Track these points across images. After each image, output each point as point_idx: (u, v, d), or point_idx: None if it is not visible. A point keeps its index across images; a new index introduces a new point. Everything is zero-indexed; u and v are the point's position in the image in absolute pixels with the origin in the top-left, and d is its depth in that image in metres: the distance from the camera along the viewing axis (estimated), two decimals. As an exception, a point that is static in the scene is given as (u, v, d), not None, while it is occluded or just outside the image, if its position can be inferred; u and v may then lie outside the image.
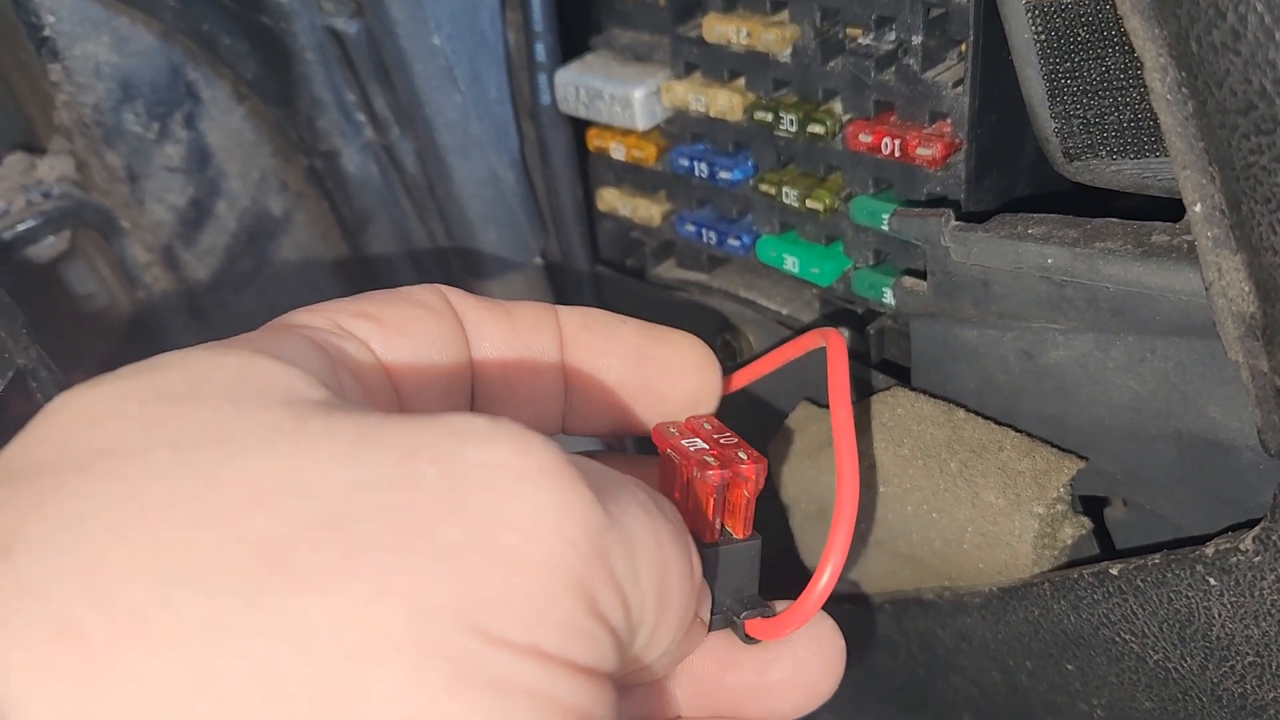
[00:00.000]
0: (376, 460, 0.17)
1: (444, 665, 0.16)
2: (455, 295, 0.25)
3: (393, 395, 0.23)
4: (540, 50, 0.38)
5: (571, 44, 0.39)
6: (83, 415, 0.18)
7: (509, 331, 0.25)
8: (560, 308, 0.27)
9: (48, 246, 0.40)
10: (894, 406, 0.32)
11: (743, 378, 0.31)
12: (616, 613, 0.18)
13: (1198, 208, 0.23)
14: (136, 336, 0.44)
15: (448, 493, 0.17)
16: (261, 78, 0.39)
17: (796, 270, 0.35)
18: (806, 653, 0.26)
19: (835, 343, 0.29)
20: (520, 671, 0.16)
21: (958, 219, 0.30)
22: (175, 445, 0.17)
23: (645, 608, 0.19)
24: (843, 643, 0.26)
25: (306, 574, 0.16)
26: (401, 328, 0.23)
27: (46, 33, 0.37)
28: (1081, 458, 0.30)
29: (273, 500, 0.17)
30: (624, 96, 0.36)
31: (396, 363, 0.23)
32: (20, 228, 0.38)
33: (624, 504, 0.19)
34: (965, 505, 0.30)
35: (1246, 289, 0.23)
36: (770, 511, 0.37)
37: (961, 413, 0.31)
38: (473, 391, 0.26)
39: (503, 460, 0.18)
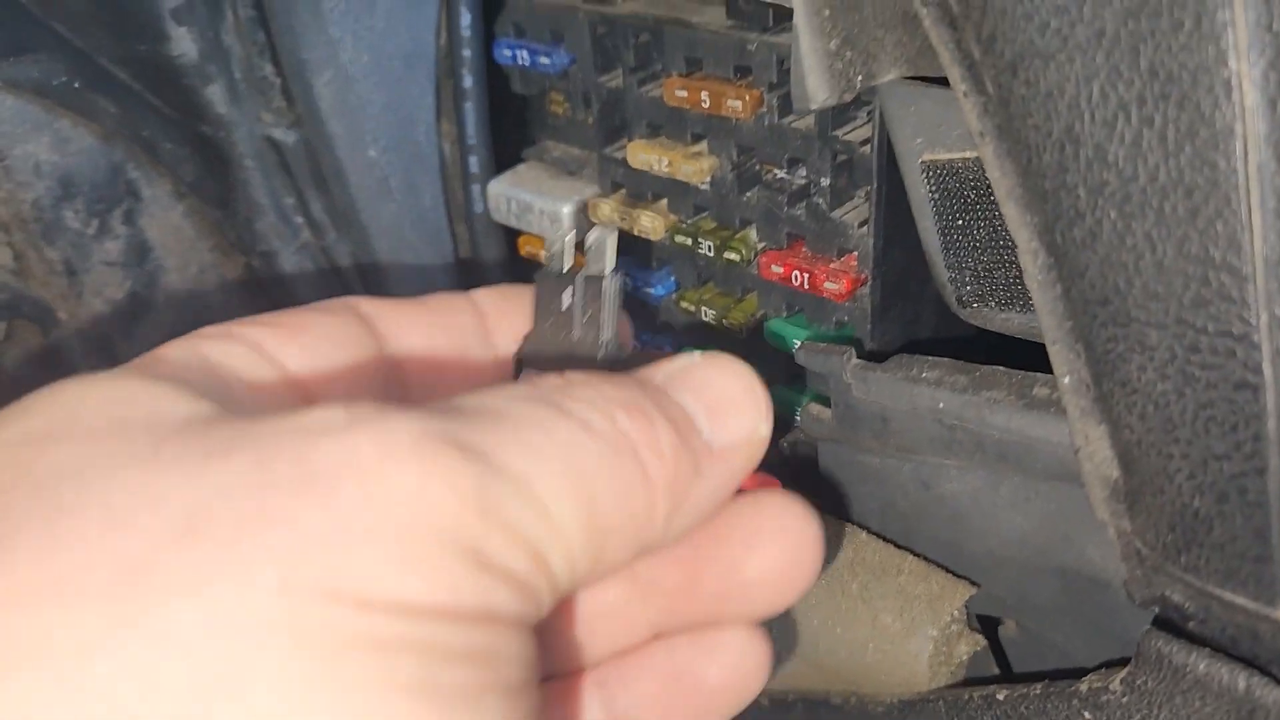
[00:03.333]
0: (230, 469, 0.18)
1: (318, 640, 0.17)
2: (365, 301, 0.26)
3: (292, 394, 0.24)
4: (474, 163, 0.39)
5: (503, 151, 0.40)
6: None
7: (427, 321, 0.26)
8: (473, 292, 0.28)
9: (-16, 338, 0.41)
10: (800, 528, 0.33)
11: None
12: (518, 557, 0.19)
13: (1066, 380, 0.25)
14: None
15: (303, 487, 0.18)
16: (201, 180, 0.40)
17: (715, 383, 0.36)
18: (779, 544, 0.25)
19: None
20: (397, 628, 0.17)
21: (861, 353, 0.32)
22: (35, 485, 0.18)
23: (572, 536, 0.19)
24: (817, 528, 0.26)
25: (169, 581, 0.17)
26: (297, 327, 0.24)
27: (-13, 136, 0.38)
28: (974, 584, 0.31)
29: (128, 520, 0.17)
30: (553, 211, 0.38)
31: (293, 361, 0.24)
32: (-43, 323, 0.39)
33: (524, 446, 0.19)
34: (865, 625, 0.32)
35: (1109, 456, 0.25)
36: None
37: (863, 534, 0.33)
38: (408, 384, 0.26)
39: (359, 449, 0.18)
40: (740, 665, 0.26)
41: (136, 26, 0.34)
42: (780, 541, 0.25)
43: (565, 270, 0.27)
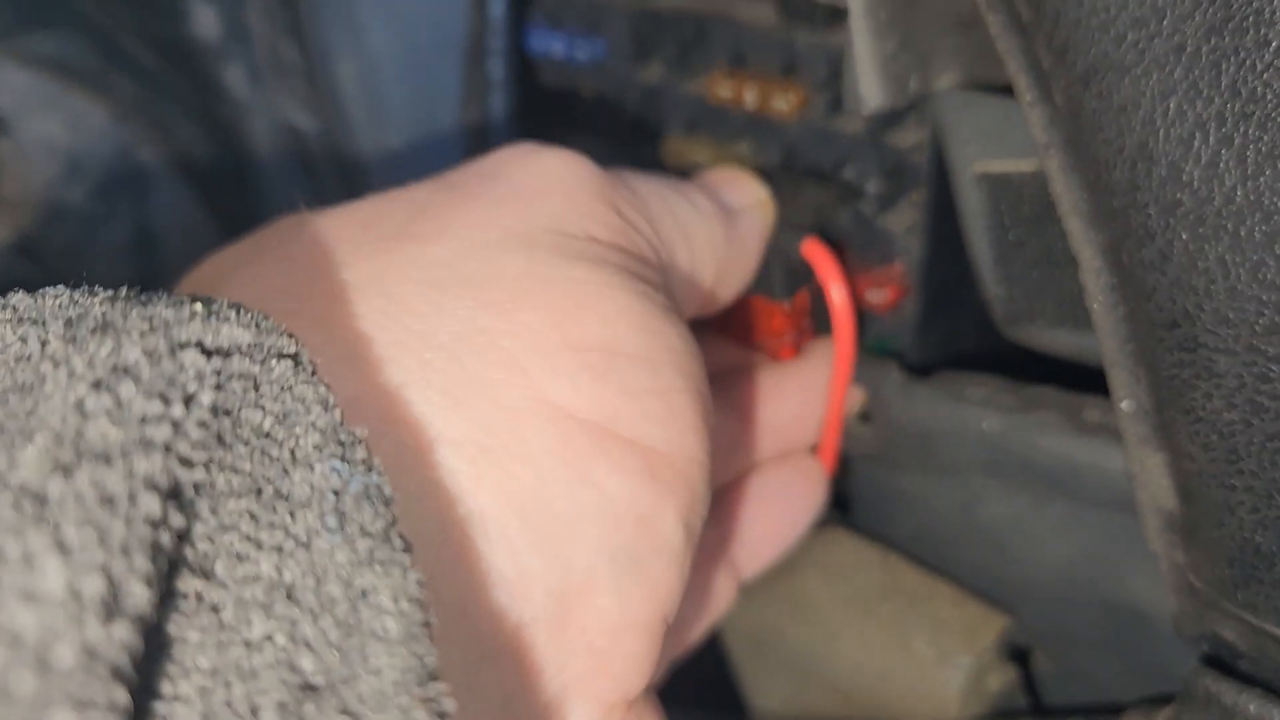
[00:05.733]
0: (444, 183, 0.26)
1: (547, 252, 0.24)
2: None
3: None
4: (500, 155, 0.38)
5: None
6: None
7: None
8: None
9: (-12, 320, 0.39)
10: (831, 546, 0.32)
11: None
12: (639, 220, 0.26)
13: (1124, 405, 0.24)
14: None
15: (492, 176, 0.26)
16: (214, 165, 0.39)
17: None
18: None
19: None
20: (592, 249, 0.24)
21: (903, 365, 0.31)
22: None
23: (665, 223, 0.27)
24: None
25: (433, 227, 0.24)
26: None
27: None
28: (1009, 613, 0.30)
29: (381, 209, 0.26)
30: (581, 209, 0.37)
31: None
32: (-39, 305, 0.38)
33: (628, 174, 0.28)
34: (895, 651, 0.31)
35: (1167, 485, 0.24)
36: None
37: (895, 558, 0.32)
38: None
39: (521, 150, 0.27)
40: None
41: (160, 3, 0.33)
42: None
43: None
